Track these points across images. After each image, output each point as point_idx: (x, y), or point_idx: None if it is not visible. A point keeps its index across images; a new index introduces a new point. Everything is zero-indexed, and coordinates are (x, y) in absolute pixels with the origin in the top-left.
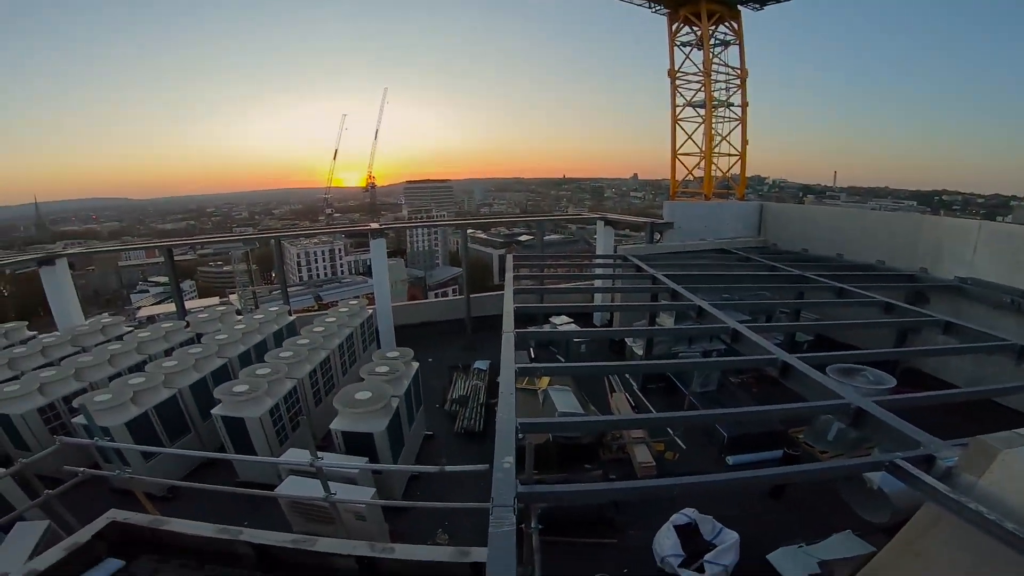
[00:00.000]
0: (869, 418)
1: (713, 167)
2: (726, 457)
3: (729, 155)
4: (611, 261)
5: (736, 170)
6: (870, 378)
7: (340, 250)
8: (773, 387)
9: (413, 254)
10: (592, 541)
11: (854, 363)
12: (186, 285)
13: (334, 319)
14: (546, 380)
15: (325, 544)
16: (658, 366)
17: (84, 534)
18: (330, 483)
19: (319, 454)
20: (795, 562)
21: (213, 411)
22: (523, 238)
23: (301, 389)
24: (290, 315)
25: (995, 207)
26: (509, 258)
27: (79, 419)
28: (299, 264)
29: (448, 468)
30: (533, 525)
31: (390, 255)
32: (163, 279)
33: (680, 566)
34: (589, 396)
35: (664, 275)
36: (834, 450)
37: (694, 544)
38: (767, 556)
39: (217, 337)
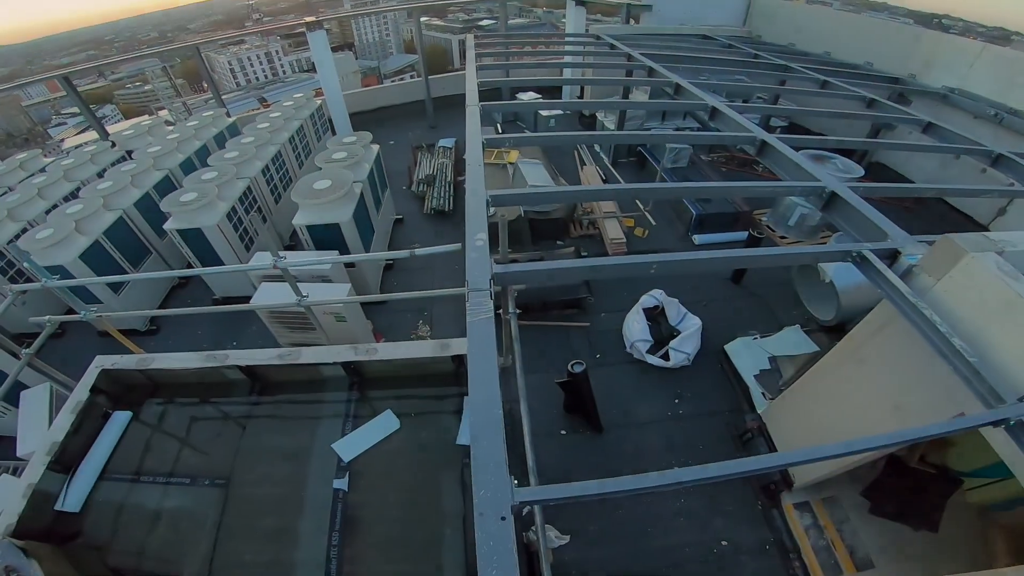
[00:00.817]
0: (842, 203)
1: None
2: (693, 236)
3: None
4: (582, 39)
5: None
6: (839, 166)
7: (278, 52)
8: (741, 168)
9: (362, 46)
10: (566, 325)
11: (827, 151)
12: (107, 110)
13: (279, 113)
14: (515, 154)
15: (309, 355)
16: (631, 136)
17: (82, 391)
18: (304, 284)
19: (281, 253)
20: (750, 354)
21: (166, 225)
22: (484, 22)
23: (256, 188)
24: (228, 117)
25: (995, 38)
26: (470, 37)
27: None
28: (232, 72)
29: (418, 251)
30: (511, 310)
31: (337, 49)
32: (78, 110)
33: (647, 352)
34: (560, 171)
35: (640, 53)
36: (793, 235)
37: (660, 329)
38: (725, 347)
39: (150, 150)
